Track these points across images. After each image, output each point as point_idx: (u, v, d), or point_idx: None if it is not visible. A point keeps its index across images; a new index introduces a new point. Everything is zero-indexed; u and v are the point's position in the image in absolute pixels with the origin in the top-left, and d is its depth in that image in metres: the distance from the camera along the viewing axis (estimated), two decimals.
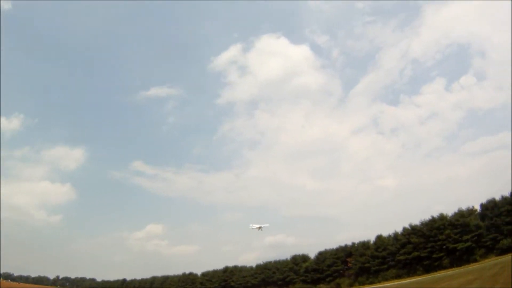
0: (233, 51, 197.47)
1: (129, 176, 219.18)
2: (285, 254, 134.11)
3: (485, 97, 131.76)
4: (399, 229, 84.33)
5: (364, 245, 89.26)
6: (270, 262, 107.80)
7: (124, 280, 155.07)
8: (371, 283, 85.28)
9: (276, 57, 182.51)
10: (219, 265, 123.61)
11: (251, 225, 60.46)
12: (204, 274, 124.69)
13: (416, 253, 79.44)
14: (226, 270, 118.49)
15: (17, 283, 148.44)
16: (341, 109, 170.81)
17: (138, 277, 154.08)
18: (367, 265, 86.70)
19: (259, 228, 60.15)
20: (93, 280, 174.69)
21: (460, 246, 73.80)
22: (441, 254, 76.32)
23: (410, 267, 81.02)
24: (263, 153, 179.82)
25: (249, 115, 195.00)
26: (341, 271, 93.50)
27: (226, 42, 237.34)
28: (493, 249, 71.01)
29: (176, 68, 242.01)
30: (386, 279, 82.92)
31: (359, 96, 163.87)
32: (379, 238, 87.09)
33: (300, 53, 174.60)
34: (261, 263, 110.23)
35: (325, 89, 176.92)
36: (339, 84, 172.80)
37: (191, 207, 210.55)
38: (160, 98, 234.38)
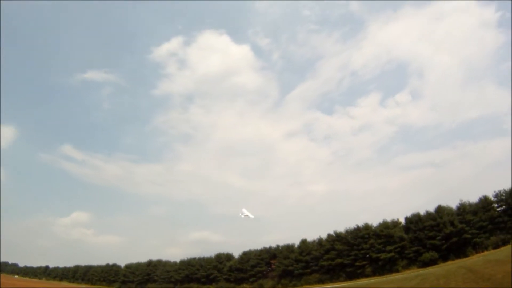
0: (174, 43, 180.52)
1: (58, 160, 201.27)
2: (209, 251, 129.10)
3: (418, 115, 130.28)
4: (324, 235, 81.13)
5: (289, 248, 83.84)
6: (194, 259, 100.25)
7: (47, 267, 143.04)
8: (294, 285, 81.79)
9: (216, 53, 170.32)
10: (143, 258, 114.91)
11: (243, 209, 54.10)
12: (127, 266, 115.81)
13: (339, 260, 75.83)
14: (150, 263, 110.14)
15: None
16: (276, 112, 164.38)
17: (61, 264, 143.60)
18: (290, 268, 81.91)
19: (247, 216, 53.84)
20: (15, 265, 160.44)
21: (383, 256, 71.91)
22: (364, 263, 74.40)
23: (333, 273, 77.64)
24: (195, 148, 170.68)
25: (184, 109, 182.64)
26: (264, 272, 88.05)
27: (169, 34, 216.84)
28: (415, 261, 70.43)
29: (116, 54, 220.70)
30: (309, 283, 79.74)
31: (294, 101, 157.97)
32: (303, 242, 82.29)
33: (241, 52, 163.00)
34: (185, 259, 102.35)
35: (261, 90, 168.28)
36: (276, 87, 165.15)
37: (119, 197, 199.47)
38: (96, 83, 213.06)
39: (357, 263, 73.89)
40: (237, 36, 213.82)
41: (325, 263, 77.23)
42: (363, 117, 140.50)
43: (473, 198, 72.08)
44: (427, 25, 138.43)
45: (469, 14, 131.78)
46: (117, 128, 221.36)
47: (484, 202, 69.01)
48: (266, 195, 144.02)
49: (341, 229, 78.63)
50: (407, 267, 69.81)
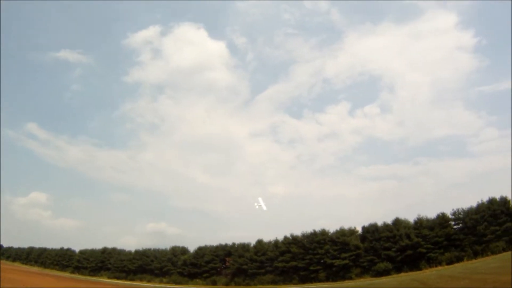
0: (151, 32, 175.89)
1: (22, 138, 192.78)
2: (165, 243, 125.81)
3: (385, 129, 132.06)
4: (281, 237, 79.22)
5: (244, 247, 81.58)
6: (149, 250, 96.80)
7: (0, 246, 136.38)
8: (247, 284, 79.52)
9: (191, 47, 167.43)
10: (98, 245, 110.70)
11: (259, 199, 55.34)
12: (82, 252, 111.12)
13: (294, 263, 74.14)
14: (104, 251, 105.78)
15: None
16: (245, 111, 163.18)
17: (16, 245, 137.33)
18: (245, 266, 79.64)
19: (261, 206, 55.06)
20: None
21: (337, 262, 70.76)
22: (318, 267, 73.00)
23: (286, 275, 75.89)
24: (161, 139, 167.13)
25: (153, 98, 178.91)
26: (218, 269, 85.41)
27: (147, 21, 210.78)
28: (369, 270, 69.92)
29: (92, 36, 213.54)
30: (262, 283, 77.59)
31: (264, 102, 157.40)
32: (259, 242, 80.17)
33: (216, 48, 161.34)
34: (140, 249, 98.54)
35: (233, 88, 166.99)
36: (248, 86, 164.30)
37: (79, 181, 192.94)
38: (68, 63, 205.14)
39: (311, 268, 72.32)
40: (215, 32, 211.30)
41: (279, 264, 75.31)
42: (331, 125, 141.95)
43: (431, 214, 71.96)
44: (404, 42, 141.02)
45: (447, 36, 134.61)
46: (85, 110, 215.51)
47: (442, 219, 68.74)
48: (227, 193, 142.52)
49: (298, 232, 77.09)
50: (360, 275, 68.95)
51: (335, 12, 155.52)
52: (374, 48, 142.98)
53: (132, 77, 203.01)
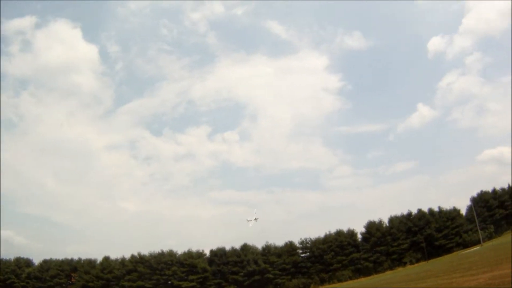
0: (27, 22, 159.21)
1: None
2: (10, 253, 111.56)
3: (242, 155, 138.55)
4: (128, 254, 73.36)
5: (91, 263, 74.09)
6: None
7: None
8: None
9: (63, 45, 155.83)
10: None
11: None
12: None
13: (140, 283, 68.66)
14: None
15: None
16: (105, 121, 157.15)
17: None
18: (91, 284, 71.44)
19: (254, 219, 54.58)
20: None
21: (185, 284, 67.65)
22: None
23: None
24: (16, 138, 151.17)
25: (15, 93, 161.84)
26: (64, 285, 75.85)
27: (25, 10, 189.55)
28: None
29: None
30: None
31: (126, 115, 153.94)
32: (106, 259, 73.08)
33: (88, 52, 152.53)
34: None
35: (96, 96, 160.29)
36: (112, 96, 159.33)
37: None
38: None
39: None
40: (90, 34, 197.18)
41: (126, 283, 69.09)
42: (189, 146, 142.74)
43: (280, 242, 72.50)
44: (273, 75, 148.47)
45: (315, 76, 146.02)
46: None
47: (289, 247, 70.16)
48: (77, 203, 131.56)
49: (146, 251, 72.53)
50: None
51: (212, 36, 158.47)
52: (243, 76, 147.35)
53: None
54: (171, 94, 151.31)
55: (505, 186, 75.44)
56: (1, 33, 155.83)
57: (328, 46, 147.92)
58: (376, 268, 68.42)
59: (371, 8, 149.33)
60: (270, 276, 66.78)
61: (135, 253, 71.32)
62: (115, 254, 75.95)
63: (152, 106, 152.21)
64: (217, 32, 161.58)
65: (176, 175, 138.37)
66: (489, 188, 76.54)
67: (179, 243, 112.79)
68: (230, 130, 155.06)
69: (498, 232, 72.28)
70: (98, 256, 76.59)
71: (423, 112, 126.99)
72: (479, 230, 70.31)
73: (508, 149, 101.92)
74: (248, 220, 51.08)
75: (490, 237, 71.19)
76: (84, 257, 75.17)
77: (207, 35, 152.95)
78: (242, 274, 66.26)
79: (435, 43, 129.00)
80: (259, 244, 70.79)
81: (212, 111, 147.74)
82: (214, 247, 70.70)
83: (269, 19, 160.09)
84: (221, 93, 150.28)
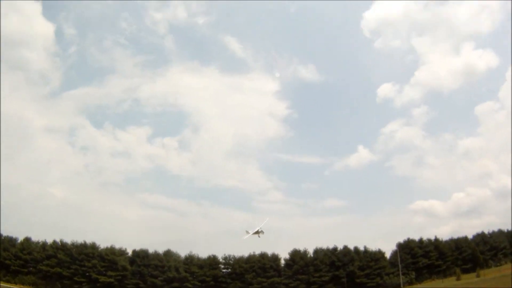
0: None
1: None
2: None
3: (178, 163, 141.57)
4: (50, 240, 72.48)
5: (11, 241, 72.15)
6: None
7: None
8: (7, 281, 69.44)
9: (21, 17, 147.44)
10: None
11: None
12: None
13: (59, 269, 68.59)
14: None
15: None
16: (49, 102, 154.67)
17: None
18: (8, 262, 69.92)
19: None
20: None
21: (102, 279, 67.84)
22: (83, 280, 68.45)
23: (49, 280, 69.77)
24: None
25: None
26: None
27: None
28: None
29: None
30: (23, 283, 69.40)
31: (70, 100, 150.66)
32: (27, 240, 72.24)
33: (44, 29, 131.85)
34: None
35: (44, 75, 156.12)
36: (59, 79, 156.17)
37: None
38: None
39: (76, 278, 67.28)
40: (49, 12, 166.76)
41: (44, 268, 68.16)
42: (127, 144, 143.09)
43: (203, 254, 73.48)
44: (223, 91, 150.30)
45: (263, 99, 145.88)
46: None
47: (212, 260, 71.09)
48: (2, 179, 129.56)
49: (68, 239, 72.13)
50: None
51: (170, 40, 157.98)
52: (193, 86, 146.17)
53: None
54: (119, 88, 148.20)
55: (432, 237, 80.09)
56: None
57: (281, 73, 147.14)
58: None
59: (329, 44, 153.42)
60: (189, 286, 67.56)
61: (57, 240, 70.51)
62: (37, 237, 74.23)
63: (98, 97, 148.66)
64: (176, 37, 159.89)
65: (110, 170, 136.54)
66: (416, 237, 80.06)
67: (103, 238, 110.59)
68: (170, 136, 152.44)
69: (419, 279, 75.83)
70: (19, 235, 75.12)
71: (362, 154, 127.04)
72: (400, 275, 73.76)
73: (439, 203, 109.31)
74: (247, 232, 43.78)
75: (410, 283, 74.86)
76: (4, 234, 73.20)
77: (166, 38, 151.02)
78: (161, 279, 66.85)
79: (385, 89, 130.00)
80: (183, 253, 71.54)
81: (157, 114, 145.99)
82: (137, 248, 70.76)
83: (229, 34, 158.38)
84: (168, 98, 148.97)
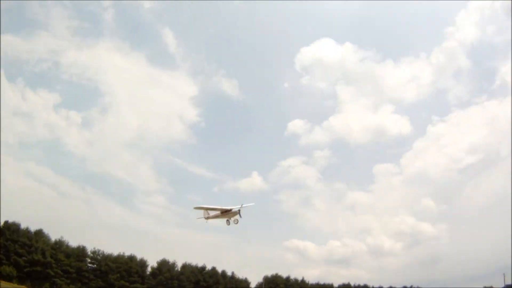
0: None
1: None
2: None
3: (75, 140, 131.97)
4: None
5: None
6: None
7: None
8: None
9: None
10: None
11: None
12: None
13: None
14: None
15: None
16: None
17: None
18: None
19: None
20: None
21: None
22: None
23: None
24: None
25: None
26: None
27: None
28: None
29: None
30: None
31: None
32: None
33: None
34: None
35: None
36: None
37: None
38: None
39: None
40: None
41: None
42: (32, 106, 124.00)
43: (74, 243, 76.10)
44: (144, 80, 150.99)
45: (178, 101, 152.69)
46: None
47: (81, 251, 74.41)
48: None
49: None
50: None
51: (110, 13, 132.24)
52: (116, 67, 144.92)
53: None
54: (44, 47, 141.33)
55: (299, 278, 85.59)
56: None
57: (204, 80, 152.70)
58: None
59: (260, 66, 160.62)
60: (51, 273, 68.62)
61: None
62: None
63: (21, 49, 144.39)
64: (117, 12, 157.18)
65: (5, 129, 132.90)
66: (284, 274, 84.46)
67: None
68: (76, 111, 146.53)
69: None
70: None
71: (255, 181, 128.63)
72: None
73: (314, 246, 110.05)
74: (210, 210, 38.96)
75: None
76: None
77: (107, 10, 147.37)
78: (25, 259, 67.65)
79: (296, 125, 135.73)
80: (54, 237, 73.38)
81: (71, 84, 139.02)
82: (10, 220, 70.19)
83: (168, 27, 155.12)
84: (87, 71, 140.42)
